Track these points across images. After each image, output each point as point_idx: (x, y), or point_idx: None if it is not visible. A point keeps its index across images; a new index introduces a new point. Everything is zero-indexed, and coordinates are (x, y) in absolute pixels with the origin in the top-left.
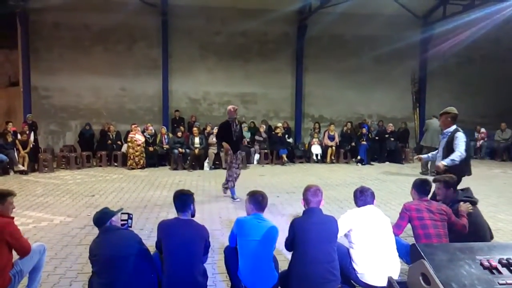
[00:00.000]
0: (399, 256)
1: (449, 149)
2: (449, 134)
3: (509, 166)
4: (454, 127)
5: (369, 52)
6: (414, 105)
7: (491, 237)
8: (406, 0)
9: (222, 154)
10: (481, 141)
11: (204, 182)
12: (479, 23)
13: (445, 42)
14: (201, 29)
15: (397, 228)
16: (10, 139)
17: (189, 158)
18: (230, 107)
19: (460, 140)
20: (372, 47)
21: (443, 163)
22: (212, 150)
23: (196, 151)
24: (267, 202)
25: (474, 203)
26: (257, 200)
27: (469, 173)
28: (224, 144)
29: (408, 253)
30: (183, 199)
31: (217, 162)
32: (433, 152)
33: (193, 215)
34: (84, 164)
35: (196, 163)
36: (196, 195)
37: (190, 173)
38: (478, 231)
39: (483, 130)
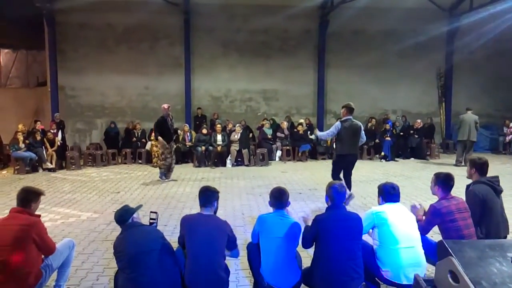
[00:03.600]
0: (426, 255)
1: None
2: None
3: None
4: (348, 117)
5: (392, 46)
6: (440, 99)
7: (507, 233)
8: None
9: (156, 147)
10: (510, 136)
11: (226, 179)
12: (507, 14)
13: (472, 35)
14: (223, 27)
15: (423, 231)
16: (38, 137)
17: (211, 155)
18: (163, 105)
19: (333, 126)
20: (396, 41)
21: (318, 133)
22: (234, 147)
23: (219, 148)
24: (287, 198)
25: (497, 191)
26: (274, 196)
27: (345, 152)
28: (160, 138)
29: (435, 252)
30: (207, 195)
31: (239, 159)
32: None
33: (215, 212)
34: (109, 161)
35: (218, 160)
36: (219, 191)
37: (212, 170)
38: (491, 224)
39: None
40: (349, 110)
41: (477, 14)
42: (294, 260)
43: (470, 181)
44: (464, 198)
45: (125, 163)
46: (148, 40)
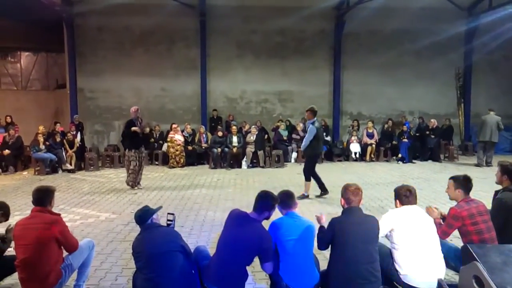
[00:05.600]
0: (446, 259)
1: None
2: (308, 125)
3: None
4: (314, 119)
5: (409, 47)
6: (458, 100)
7: None
8: None
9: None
10: None
11: (242, 180)
12: None
13: (490, 34)
14: (238, 29)
15: (443, 235)
16: (58, 139)
17: (227, 156)
18: (132, 108)
19: (309, 132)
20: (413, 41)
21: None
22: (250, 149)
23: (234, 149)
24: (294, 198)
25: None
26: (285, 199)
27: (320, 150)
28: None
29: (457, 256)
30: (263, 202)
31: (254, 161)
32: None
33: (265, 219)
34: None
35: (234, 161)
36: (234, 193)
37: (228, 171)
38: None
39: None
40: (314, 113)
41: (495, 13)
42: (312, 262)
43: (496, 185)
44: (483, 201)
45: None
46: (164, 42)
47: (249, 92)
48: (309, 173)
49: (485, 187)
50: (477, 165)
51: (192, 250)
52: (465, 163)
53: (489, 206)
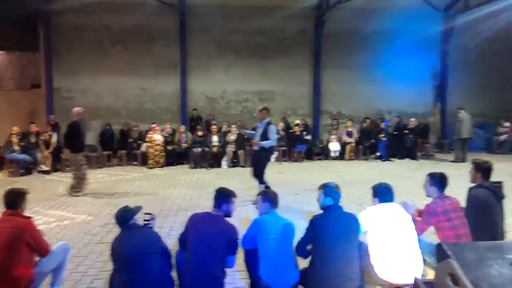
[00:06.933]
0: (423, 255)
1: (264, 135)
2: (265, 124)
3: None
4: (268, 119)
5: (387, 47)
6: (435, 99)
7: (500, 239)
8: None
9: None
10: (505, 135)
11: (222, 180)
12: (501, 14)
13: (466, 35)
14: (219, 28)
15: (420, 231)
16: (33, 139)
17: (207, 156)
18: (77, 108)
19: (272, 131)
20: (391, 41)
21: (259, 142)
22: (230, 148)
23: (215, 149)
24: (277, 198)
25: (498, 197)
26: (271, 198)
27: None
28: (68, 150)
29: (432, 252)
30: (219, 197)
31: (235, 160)
32: (254, 132)
33: (227, 215)
34: (104, 163)
35: (214, 161)
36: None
37: (208, 171)
38: (487, 229)
39: (507, 124)
40: (269, 111)
41: (471, 14)
42: (293, 261)
43: (467, 181)
44: (458, 198)
45: (121, 165)
46: (144, 41)
47: (230, 91)
48: (262, 175)
49: (460, 183)
50: (454, 161)
51: (171, 251)
52: (441, 160)
53: (464, 202)
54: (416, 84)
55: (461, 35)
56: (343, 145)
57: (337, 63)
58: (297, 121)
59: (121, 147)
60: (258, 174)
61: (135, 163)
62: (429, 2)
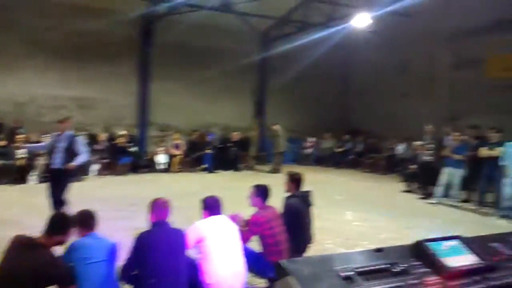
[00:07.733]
0: (248, 264)
1: (69, 150)
2: (68, 137)
3: (332, 172)
4: (72, 131)
5: (215, 64)
6: (254, 115)
7: (311, 241)
8: (251, 17)
9: None
10: (310, 149)
11: (30, 197)
12: (314, 45)
13: (285, 57)
14: (30, 23)
15: (245, 240)
16: None
17: (12, 170)
18: None
19: (81, 143)
20: (219, 59)
21: (74, 164)
22: (41, 161)
23: (19, 162)
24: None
25: (307, 205)
26: (86, 220)
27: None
28: None
29: (255, 259)
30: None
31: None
32: (37, 145)
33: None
34: None
35: (20, 176)
36: (20, 213)
37: (10, 187)
38: (300, 233)
39: (311, 139)
40: (71, 122)
41: (287, 41)
42: (116, 283)
43: (283, 191)
44: (276, 206)
45: None
46: None
47: (42, 96)
48: (62, 198)
49: (277, 193)
50: (273, 172)
51: None
52: (260, 171)
53: (281, 210)
54: (240, 101)
55: (278, 57)
56: (171, 157)
57: (166, 75)
58: (122, 132)
59: None
60: (59, 197)
61: None
62: (250, 24)
